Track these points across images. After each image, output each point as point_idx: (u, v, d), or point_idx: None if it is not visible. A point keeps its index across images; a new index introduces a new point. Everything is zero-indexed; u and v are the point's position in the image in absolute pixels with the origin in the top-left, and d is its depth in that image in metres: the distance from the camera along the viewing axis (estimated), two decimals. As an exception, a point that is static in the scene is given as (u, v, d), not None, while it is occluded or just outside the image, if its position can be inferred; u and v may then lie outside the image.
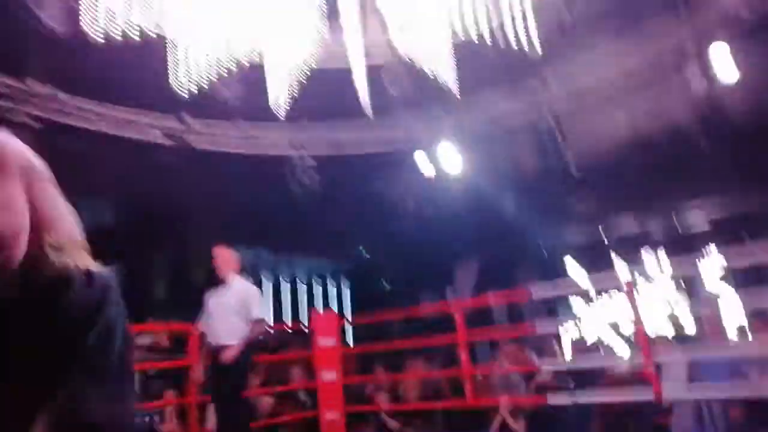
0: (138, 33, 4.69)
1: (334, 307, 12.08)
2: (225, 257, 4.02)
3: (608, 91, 6.92)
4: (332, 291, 12.69)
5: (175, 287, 10.10)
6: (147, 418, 5.31)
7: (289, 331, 9.63)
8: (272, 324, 11.38)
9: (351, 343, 10.90)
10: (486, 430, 5.67)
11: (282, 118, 6.19)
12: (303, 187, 7.33)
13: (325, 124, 7.31)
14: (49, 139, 5.74)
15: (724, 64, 6.05)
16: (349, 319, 10.98)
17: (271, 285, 11.76)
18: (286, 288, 12.02)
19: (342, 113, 6.85)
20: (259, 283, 11.77)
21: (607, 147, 7.91)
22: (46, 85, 5.62)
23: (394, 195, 9.07)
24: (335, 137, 7.57)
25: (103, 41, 4.57)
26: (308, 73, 5.97)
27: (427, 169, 7.74)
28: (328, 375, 6.15)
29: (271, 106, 5.86)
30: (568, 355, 7.00)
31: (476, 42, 6.02)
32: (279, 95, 5.82)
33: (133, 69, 5.20)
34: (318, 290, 12.52)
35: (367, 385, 6.95)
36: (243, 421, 3.89)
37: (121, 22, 4.55)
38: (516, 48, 5.94)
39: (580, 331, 6.79)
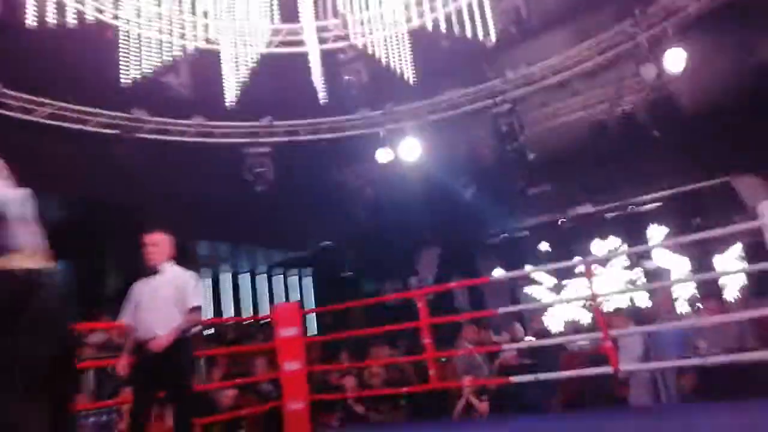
0: (83, 20, 4.46)
1: (296, 297, 11.98)
2: (160, 244, 3.68)
3: (562, 79, 7.04)
4: (293, 281, 12.57)
5: (128, 283, 9.79)
6: (104, 417, 5.12)
7: (250, 323, 9.48)
8: (232, 316, 11.22)
9: (315, 332, 10.85)
10: (451, 412, 5.74)
11: (234, 106, 6.05)
12: (258, 177, 7.17)
13: (279, 111, 7.17)
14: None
15: (672, 54, 6.25)
16: (312, 308, 10.90)
17: (229, 276, 11.56)
18: (246, 280, 11.83)
19: (296, 100, 6.73)
20: (216, 276, 11.57)
21: (561, 134, 8.09)
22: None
23: (352, 183, 9.01)
24: (290, 125, 7.44)
25: (45, 28, 4.32)
26: (261, 59, 5.85)
27: (384, 156, 7.71)
28: (291, 365, 6.08)
29: (225, 95, 5.70)
30: (529, 335, 7.13)
31: (431, 30, 6.01)
32: (232, 83, 5.67)
33: (79, 59, 4.95)
34: (279, 281, 12.39)
35: (332, 373, 6.92)
36: (191, 417, 3.64)
37: (70, 9, 4.31)
38: (471, 36, 5.95)
39: (541, 311, 6.94)
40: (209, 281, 11.23)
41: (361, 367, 6.75)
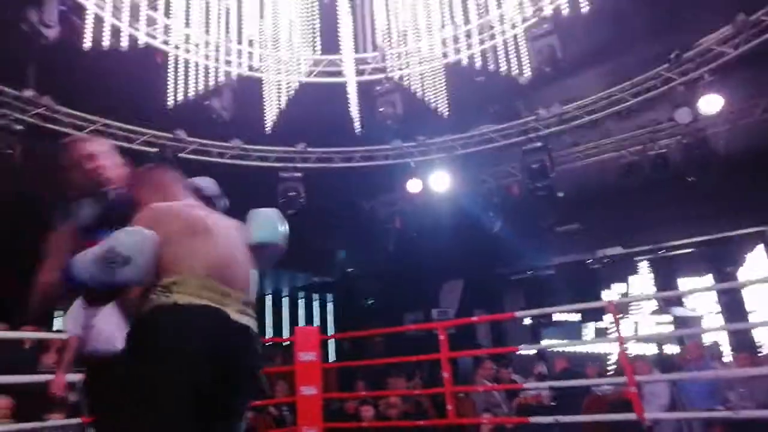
0: (135, 44, 4.71)
1: (317, 322, 12.01)
2: None
3: (595, 119, 7.06)
4: (315, 305, 12.61)
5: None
6: None
7: (271, 345, 9.51)
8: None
9: (333, 358, 10.81)
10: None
11: (271, 131, 6.23)
12: (289, 200, 7.31)
13: (313, 138, 7.34)
14: (34, 143, 5.72)
15: (708, 99, 6.23)
16: (331, 334, 10.89)
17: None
18: (268, 302, 11.92)
19: (331, 128, 6.89)
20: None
21: (592, 173, 8.06)
22: (37, 91, 5.60)
23: (380, 211, 9.10)
24: (323, 152, 7.60)
25: (100, 51, 4.58)
26: (300, 87, 6.04)
27: (414, 187, 7.79)
28: (308, 390, 6.08)
29: (264, 120, 5.89)
30: (551, 375, 6.99)
31: (467, 65, 6.13)
32: (272, 109, 5.86)
33: (129, 80, 5.21)
34: (302, 305, 12.44)
35: (348, 401, 6.88)
36: None
37: (124, 34, 4.56)
38: (505, 73, 6.05)
39: (564, 352, 6.82)
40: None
41: (377, 396, 6.70)
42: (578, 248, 9.79)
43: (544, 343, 10.34)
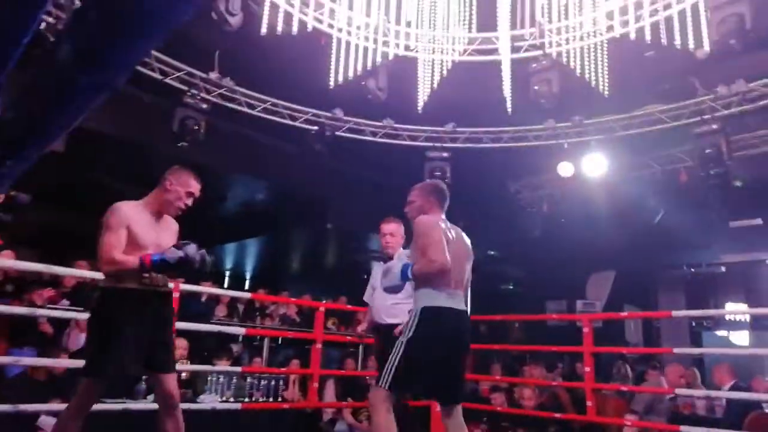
0: (304, 29, 5.07)
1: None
2: (396, 234, 3.94)
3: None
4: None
5: (308, 264, 10.80)
6: (272, 382, 5.68)
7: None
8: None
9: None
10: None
11: (422, 111, 6.32)
12: (435, 179, 7.39)
13: (463, 118, 7.31)
14: (214, 119, 6.48)
15: None
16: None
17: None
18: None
19: (482, 108, 6.80)
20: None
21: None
22: (218, 73, 6.31)
23: (527, 194, 8.82)
24: (472, 131, 7.54)
25: (274, 36, 5.01)
26: (453, 66, 6.04)
27: (565, 170, 7.42)
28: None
29: (416, 100, 6.00)
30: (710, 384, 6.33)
31: (635, 40, 5.63)
32: (425, 88, 5.94)
33: (296, 62, 5.63)
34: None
35: (483, 384, 6.90)
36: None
37: (295, 20, 4.95)
38: (680, 47, 5.44)
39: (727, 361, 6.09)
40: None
41: (512, 383, 6.62)
42: (756, 246, 8.63)
43: (705, 348, 9.35)
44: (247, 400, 4.77)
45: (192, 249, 2.46)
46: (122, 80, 1.12)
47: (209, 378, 4.80)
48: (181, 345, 4.80)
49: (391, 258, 3.87)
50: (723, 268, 9.56)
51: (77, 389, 2.52)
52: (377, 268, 4.02)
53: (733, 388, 5.30)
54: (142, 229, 2.56)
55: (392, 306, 3.78)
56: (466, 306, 2.68)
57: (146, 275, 2.51)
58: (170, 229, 2.74)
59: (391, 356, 2.55)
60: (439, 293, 2.56)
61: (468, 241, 2.80)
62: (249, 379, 5.30)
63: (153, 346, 2.53)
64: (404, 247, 3.93)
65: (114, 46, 1.08)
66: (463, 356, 2.63)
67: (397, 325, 3.61)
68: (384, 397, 2.49)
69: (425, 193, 2.85)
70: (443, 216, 2.81)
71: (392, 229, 3.93)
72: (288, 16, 5.08)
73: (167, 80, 6.13)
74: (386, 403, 2.48)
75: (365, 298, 4.14)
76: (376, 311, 3.92)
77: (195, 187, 2.73)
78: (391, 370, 2.49)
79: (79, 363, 4.23)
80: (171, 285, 2.78)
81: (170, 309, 2.78)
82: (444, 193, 2.87)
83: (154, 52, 5.88)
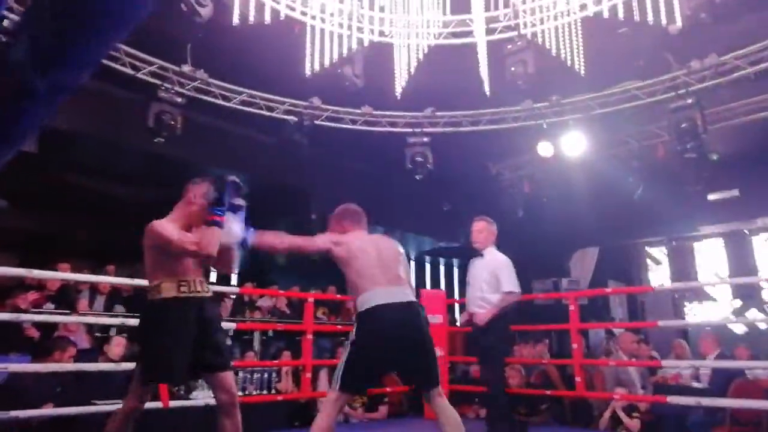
0: (277, 17, 5.01)
1: (443, 287, 12.16)
2: (483, 231, 4.28)
3: (758, 70, 6.16)
4: (441, 270, 12.77)
5: (294, 256, 10.72)
6: (265, 375, 5.68)
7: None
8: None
9: (458, 323, 10.93)
10: (594, 423, 5.47)
11: (400, 97, 6.30)
12: (417, 165, 7.40)
13: (441, 102, 7.30)
14: (190, 113, 6.39)
15: None
16: (457, 298, 10.99)
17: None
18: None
19: (459, 91, 6.79)
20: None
21: (753, 133, 7.12)
22: (191, 65, 6.21)
23: (509, 176, 8.87)
24: (451, 116, 7.53)
25: (246, 26, 4.94)
26: (429, 51, 6.01)
27: (545, 150, 7.46)
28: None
29: (394, 86, 5.97)
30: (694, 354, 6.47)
31: (608, 17, 5.65)
32: (401, 74, 5.91)
33: (270, 52, 5.56)
34: (428, 269, 12.66)
35: (473, 365, 6.97)
36: (494, 383, 4.18)
37: (267, 8, 4.88)
38: (653, 23, 5.47)
39: (711, 330, 6.23)
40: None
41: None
42: (733, 217, 8.79)
43: (688, 319, 9.54)
44: (240, 394, 4.77)
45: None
46: (82, 80, 1.09)
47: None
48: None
49: (480, 253, 4.26)
50: (701, 241, 9.74)
51: (128, 394, 2.66)
52: (471, 263, 4.39)
53: (718, 357, 5.43)
54: None
55: (478, 298, 4.17)
56: (412, 297, 2.79)
57: (184, 283, 2.63)
58: None
59: (340, 359, 2.71)
60: (373, 294, 2.69)
61: (394, 243, 2.99)
62: (241, 373, 5.29)
63: (201, 350, 2.63)
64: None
65: (74, 44, 1.05)
66: (417, 343, 2.68)
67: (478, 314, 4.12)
68: (335, 398, 2.63)
69: (336, 219, 3.04)
70: (363, 231, 3.02)
71: (479, 227, 4.30)
72: (260, 5, 5.01)
73: (139, 75, 6.02)
74: (336, 404, 2.63)
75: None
76: (469, 302, 4.29)
77: None
78: (339, 372, 2.64)
79: (72, 366, 4.20)
80: (210, 291, 2.84)
81: (214, 312, 2.87)
82: (354, 212, 3.05)
83: (124, 47, 5.77)
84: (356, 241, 2.86)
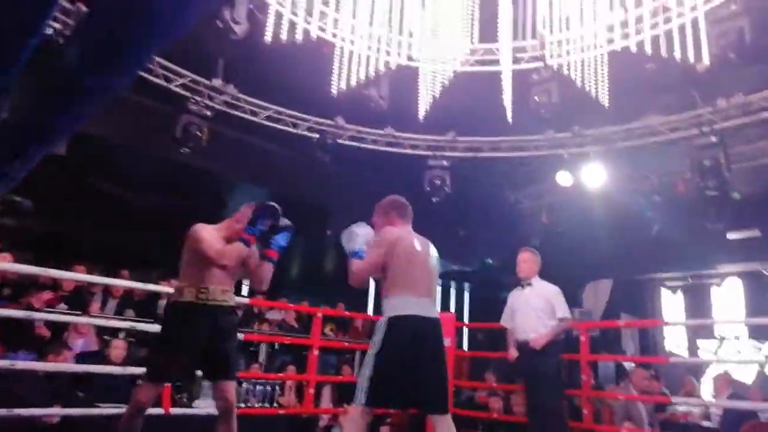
0: (308, 37, 5.13)
1: (453, 310, 12.10)
2: (528, 261, 4.37)
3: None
4: (452, 293, 12.71)
5: (307, 271, 10.78)
6: (268, 388, 5.66)
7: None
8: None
9: (466, 347, 10.84)
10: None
11: (423, 120, 6.37)
12: (435, 189, 7.43)
13: (463, 127, 7.35)
14: (216, 125, 6.51)
15: None
16: (466, 322, 10.92)
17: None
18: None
19: (482, 117, 6.84)
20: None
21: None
22: (222, 80, 6.34)
23: (527, 204, 8.86)
24: (472, 141, 7.57)
25: (278, 44, 5.06)
26: (455, 76, 6.08)
27: (564, 180, 7.46)
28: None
29: (417, 109, 6.04)
30: (706, 393, 6.35)
31: (635, 52, 5.68)
32: (425, 98, 5.99)
33: (298, 70, 5.68)
34: (438, 291, 12.61)
35: (478, 391, 6.90)
36: (551, 406, 4.12)
37: (299, 28, 5.01)
38: (680, 60, 5.50)
39: (725, 370, 6.11)
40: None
41: (507, 390, 6.62)
42: (753, 256, 8.67)
43: (701, 357, 9.38)
44: (242, 405, 4.77)
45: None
46: (126, 84, 1.15)
47: (204, 383, 4.79)
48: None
49: (527, 283, 4.33)
50: (718, 279, 9.61)
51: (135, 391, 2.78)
52: (514, 293, 4.46)
53: (730, 398, 5.33)
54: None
55: (538, 325, 4.17)
56: (435, 313, 2.71)
57: (204, 290, 2.73)
58: None
59: (361, 371, 2.56)
60: (406, 302, 2.60)
61: (434, 252, 2.87)
62: (245, 385, 5.28)
63: (208, 357, 2.73)
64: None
65: (120, 52, 1.12)
66: (436, 363, 2.59)
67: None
68: (359, 414, 2.46)
69: (382, 210, 2.93)
70: (409, 225, 2.90)
71: (525, 257, 4.41)
72: (292, 25, 5.13)
73: (171, 86, 6.16)
74: (362, 420, 2.46)
75: (502, 321, 4.54)
76: (522, 329, 4.26)
77: None
78: (364, 384, 2.46)
79: (77, 367, 4.25)
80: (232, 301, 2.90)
81: (230, 322, 2.91)
82: (401, 204, 2.94)
83: (158, 59, 5.91)
84: (403, 241, 2.74)
